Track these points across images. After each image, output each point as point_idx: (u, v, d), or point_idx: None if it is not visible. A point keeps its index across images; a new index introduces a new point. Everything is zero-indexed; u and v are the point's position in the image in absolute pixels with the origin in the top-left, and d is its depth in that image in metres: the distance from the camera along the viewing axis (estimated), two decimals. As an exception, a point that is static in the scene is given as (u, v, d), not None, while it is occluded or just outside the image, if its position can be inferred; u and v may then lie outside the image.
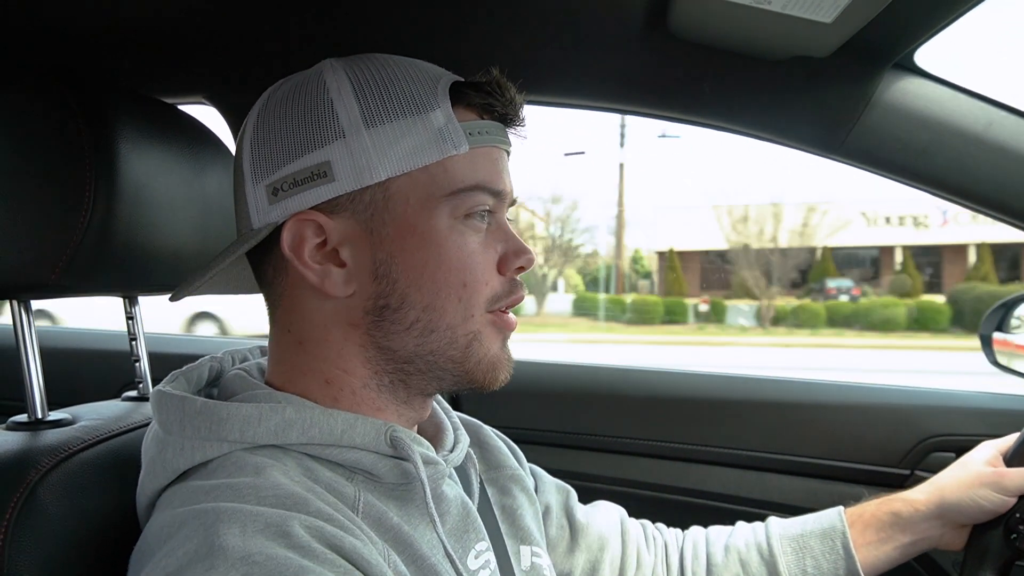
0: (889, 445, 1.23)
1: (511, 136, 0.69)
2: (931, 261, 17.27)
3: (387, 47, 0.69)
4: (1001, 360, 1.19)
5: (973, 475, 0.87)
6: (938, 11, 0.83)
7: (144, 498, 0.63)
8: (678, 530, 0.97)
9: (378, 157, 0.61)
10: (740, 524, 0.96)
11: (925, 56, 0.93)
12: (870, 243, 17.62)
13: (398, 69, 0.65)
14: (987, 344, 1.20)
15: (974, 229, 14.91)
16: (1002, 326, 1.21)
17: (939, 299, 14.49)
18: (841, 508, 0.92)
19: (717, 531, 0.96)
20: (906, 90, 0.94)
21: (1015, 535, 0.83)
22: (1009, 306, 1.21)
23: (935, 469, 0.96)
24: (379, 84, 0.63)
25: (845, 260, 17.31)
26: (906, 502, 0.89)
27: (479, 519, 0.69)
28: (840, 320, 13.89)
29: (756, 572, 0.89)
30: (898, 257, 17.24)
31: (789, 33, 0.85)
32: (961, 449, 0.94)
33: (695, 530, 0.97)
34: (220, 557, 0.48)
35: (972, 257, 16.05)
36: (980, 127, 0.93)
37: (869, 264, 17.95)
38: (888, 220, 17.28)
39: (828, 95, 0.96)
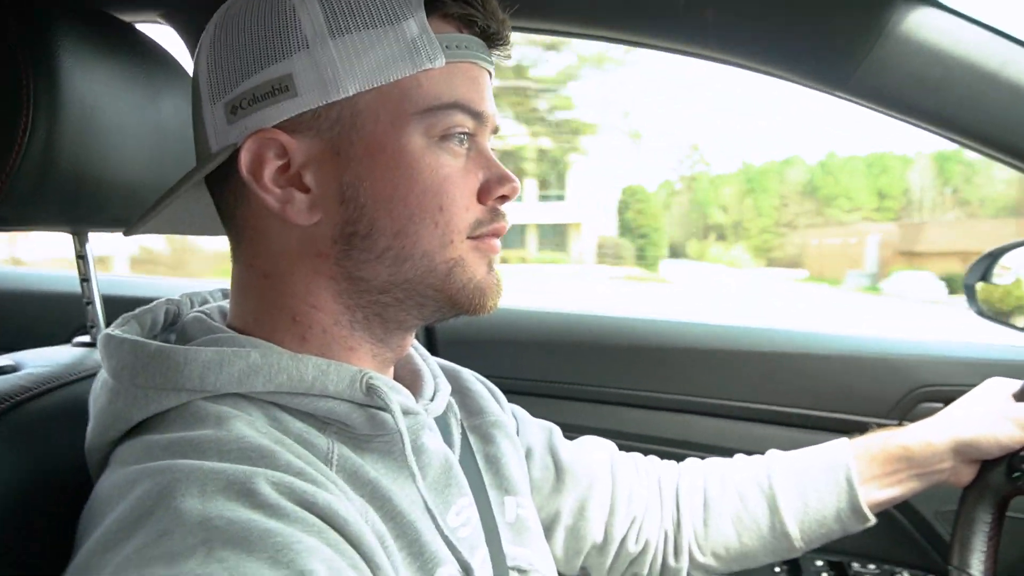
0: (878, 396, 1.22)
1: (495, 58, 0.63)
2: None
3: None
4: (986, 309, 1.18)
5: (994, 409, 0.84)
6: None
7: (95, 453, 0.58)
8: (673, 462, 0.94)
9: (345, 70, 0.55)
10: (739, 456, 0.93)
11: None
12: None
13: None
14: (971, 294, 1.19)
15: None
16: (987, 276, 1.20)
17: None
18: (847, 440, 0.89)
19: (714, 463, 0.92)
20: (921, 22, 0.88)
21: (1018, 473, 0.80)
22: (995, 256, 1.20)
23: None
24: None
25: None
26: (918, 436, 0.86)
27: (461, 472, 0.65)
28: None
29: (755, 506, 0.86)
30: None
31: None
32: (950, 400, 0.91)
33: (691, 463, 0.93)
34: (176, 522, 0.43)
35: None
36: (996, 64, 0.88)
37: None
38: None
39: (839, 25, 0.91)
